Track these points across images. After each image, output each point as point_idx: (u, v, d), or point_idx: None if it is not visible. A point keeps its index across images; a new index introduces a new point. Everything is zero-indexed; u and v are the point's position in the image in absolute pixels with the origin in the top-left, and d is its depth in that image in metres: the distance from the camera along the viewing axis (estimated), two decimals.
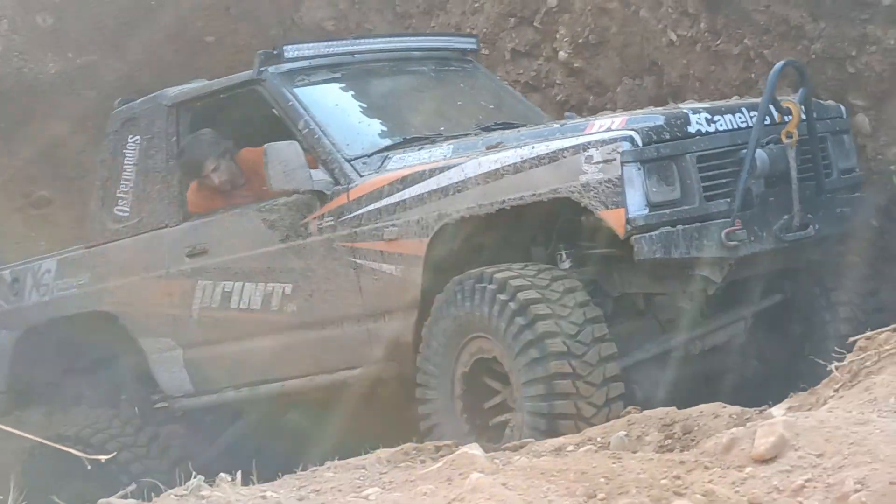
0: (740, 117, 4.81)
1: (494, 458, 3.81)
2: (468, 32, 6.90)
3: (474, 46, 6.14)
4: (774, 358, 5.24)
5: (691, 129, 4.66)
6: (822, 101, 5.24)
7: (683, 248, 4.51)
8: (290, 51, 5.44)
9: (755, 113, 4.74)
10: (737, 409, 3.95)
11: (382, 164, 5.13)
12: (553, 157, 4.60)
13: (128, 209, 5.85)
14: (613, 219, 4.49)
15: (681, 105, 5.01)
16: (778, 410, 3.85)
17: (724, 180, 4.69)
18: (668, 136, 4.60)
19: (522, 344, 4.51)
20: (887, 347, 3.78)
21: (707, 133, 4.69)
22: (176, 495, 3.58)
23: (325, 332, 5.24)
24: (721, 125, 4.74)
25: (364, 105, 5.62)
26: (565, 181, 4.56)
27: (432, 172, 4.89)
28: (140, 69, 7.82)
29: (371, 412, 5.36)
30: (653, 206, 4.51)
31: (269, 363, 5.46)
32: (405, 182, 4.95)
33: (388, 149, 5.23)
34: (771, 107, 4.76)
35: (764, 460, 3.22)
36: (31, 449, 5.63)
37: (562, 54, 6.65)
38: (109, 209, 5.93)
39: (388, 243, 4.96)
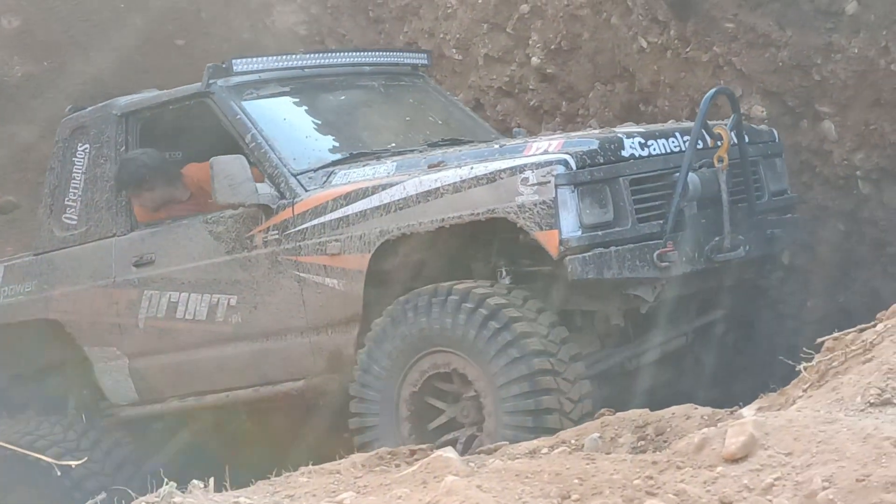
0: (674, 142, 4.89)
1: (469, 462, 3.83)
2: (441, 39, 6.92)
3: (426, 62, 6.17)
4: (717, 366, 5.32)
5: (625, 153, 4.75)
6: (754, 126, 5.34)
7: (616, 269, 4.60)
8: (239, 64, 5.47)
9: (688, 137, 4.83)
10: (708, 410, 3.99)
11: (328, 179, 5.17)
12: (491, 178, 4.68)
13: (76, 217, 5.84)
14: (547, 240, 4.57)
15: (616, 129, 5.08)
16: (748, 411, 3.89)
17: (657, 202, 4.78)
18: (601, 160, 4.68)
19: (500, 346, 4.59)
20: (853, 348, 3.81)
21: (641, 157, 4.77)
22: (147, 502, 3.55)
23: (269, 344, 5.28)
24: (655, 149, 4.82)
25: (312, 119, 5.65)
26: (502, 201, 4.64)
27: (375, 189, 4.95)
28: (109, 73, 7.78)
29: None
30: (586, 227, 4.60)
31: (214, 374, 5.48)
32: (348, 198, 5.00)
33: (334, 164, 5.27)
34: (703, 132, 4.84)
35: (734, 460, 3.26)
36: None
37: (535, 60, 6.66)
38: (57, 217, 5.91)
39: (332, 258, 5.01)
